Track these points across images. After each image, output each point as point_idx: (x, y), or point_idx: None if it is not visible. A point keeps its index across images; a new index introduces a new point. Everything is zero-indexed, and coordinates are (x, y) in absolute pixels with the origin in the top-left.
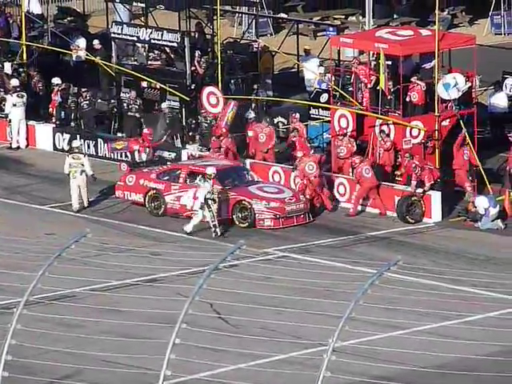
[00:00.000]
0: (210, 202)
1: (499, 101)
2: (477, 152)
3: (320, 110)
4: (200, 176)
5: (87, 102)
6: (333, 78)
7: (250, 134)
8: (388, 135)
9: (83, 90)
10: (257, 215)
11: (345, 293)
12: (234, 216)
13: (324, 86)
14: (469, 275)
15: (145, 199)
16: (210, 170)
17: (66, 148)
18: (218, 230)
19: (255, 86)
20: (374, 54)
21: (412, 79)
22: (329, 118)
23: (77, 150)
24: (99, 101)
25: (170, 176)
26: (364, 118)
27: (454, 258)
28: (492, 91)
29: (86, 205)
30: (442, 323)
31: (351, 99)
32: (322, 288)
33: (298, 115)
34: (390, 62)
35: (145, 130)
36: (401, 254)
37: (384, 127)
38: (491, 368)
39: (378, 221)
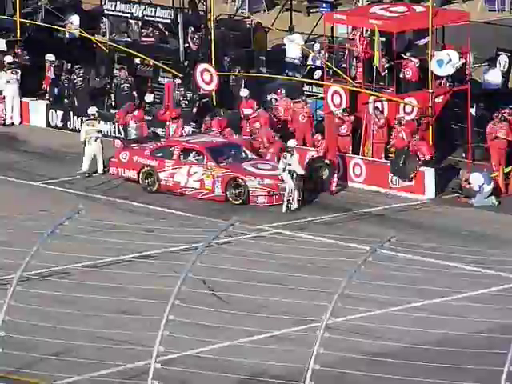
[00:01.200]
0: (294, 174)
1: (493, 77)
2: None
3: (313, 86)
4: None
5: (80, 78)
6: (326, 55)
7: (247, 111)
8: (382, 112)
9: (76, 66)
10: (251, 192)
11: (338, 269)
12: (227, 193)
13: (318, 63)
14: (462, 252)
15: (139, 176)
16: (292, 143)
17: (60, 125)
18: (290, 205)
19: (237, 68)
20: (367, 30)
21: (406, 56)
22: (322, 95)
23: (92, 117)
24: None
25: (164, 153)
26: (357, 95)
27: (448, 235)
28: (486, 68)
29: (100, 171)
30: (436, 300)
31: (345, 76)
32: (315, 265)
33: (283, 90)
34: (383, 39)
35: (135, 113)
36: (394, 231)
37: (378, 104)
38: (485, 344)
39: (372, 198)
